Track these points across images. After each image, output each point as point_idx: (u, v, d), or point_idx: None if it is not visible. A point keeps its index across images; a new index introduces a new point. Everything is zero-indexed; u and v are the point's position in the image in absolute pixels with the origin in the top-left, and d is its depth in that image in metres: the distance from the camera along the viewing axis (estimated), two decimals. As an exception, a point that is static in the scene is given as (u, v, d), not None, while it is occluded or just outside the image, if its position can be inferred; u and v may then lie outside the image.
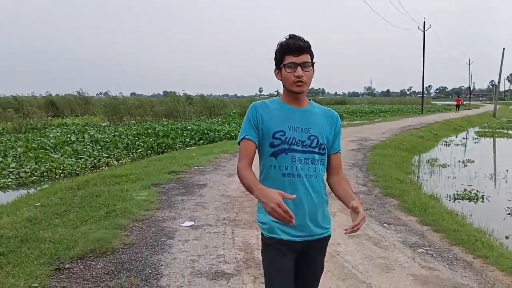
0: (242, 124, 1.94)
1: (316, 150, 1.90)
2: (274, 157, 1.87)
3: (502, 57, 40.39)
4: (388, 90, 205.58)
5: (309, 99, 1.98)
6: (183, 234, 4.71)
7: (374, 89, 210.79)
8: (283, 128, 1.86)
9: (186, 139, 15.71)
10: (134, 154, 13.09)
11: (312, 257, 1.98)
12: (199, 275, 3.64)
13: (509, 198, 7.84)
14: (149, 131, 17.04)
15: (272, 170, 1.88)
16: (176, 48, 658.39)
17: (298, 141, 1.86)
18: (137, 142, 14.40)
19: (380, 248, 4.39)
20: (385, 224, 5.22)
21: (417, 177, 9.94)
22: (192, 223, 5.10)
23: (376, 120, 30.87)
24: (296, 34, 1.87)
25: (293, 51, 1.82)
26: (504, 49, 40.36)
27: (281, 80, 1.90)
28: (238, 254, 4.11)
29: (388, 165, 9.82)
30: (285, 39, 1.86)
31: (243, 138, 1.90)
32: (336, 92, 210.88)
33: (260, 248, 2.02)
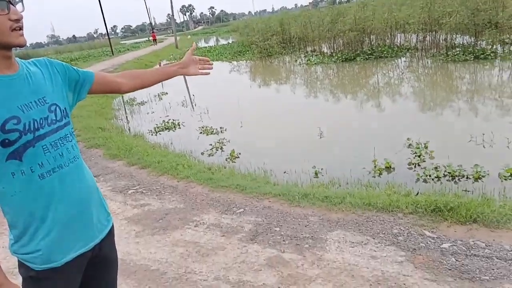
0: None
1: (64, 120, 1.36)
2: (17, 158, 1.23)
3: (170, -9, 43.93)
4: (74, 35, 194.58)
5: None
6: None
7: (59, 36, 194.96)
8: (14, 112, 1.21)
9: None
10: None
11: (106, 258, 1.54)
12: None
13: (199, 120, 9.01)
14: None
15: (20, 178, 1.24)
16: None
17: (42, 121, 1.28)
18: None
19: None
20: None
21: (120, 120, 10.08)
22: None
23: (68, 70, 28.85)
24: None
25: None
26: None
27: None
28: None
29: (87, 116, 9.50)
30: None
31: None
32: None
33: None
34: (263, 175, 5.12)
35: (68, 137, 1.37)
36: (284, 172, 5.22)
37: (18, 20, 1.21)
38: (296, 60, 17.90)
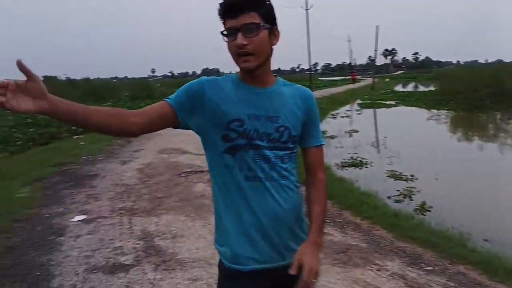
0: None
1: (288, 145, 1.41)
2: (231, 154, 1.36)
3: (377, 34, 44.43)
4: (279, 68, 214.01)
5: (275, 75, 1.46)
6: (75, 230, 4.35)
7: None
8: (241, 116, 1.35)
9: (73, 127, 14.50)
10: (12, 147, 11.69)
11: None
12: (95, 271, 3.40)
13: (388, 163, 8.71)
14: (28, 120, 15.35)
15: (230, 171, 1.37)
16: (47, 26, 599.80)
17: (263, 134, 1.36)
18: (14, 134, 12.87)
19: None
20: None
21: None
22: (84, 217, 4.73)
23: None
24: None
25: (229, 12, 1.29)
26: (377, 26, 44.40)
27: None
28: (137, 244, 3.93)
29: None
30: None
31: (164, 100, 1.37)
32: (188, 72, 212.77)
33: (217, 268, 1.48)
34: (457, 236, 4.58)
35: (285, 159, 1.40)
36: (485, 240, 4.55)
37: (239, 47, 1.28)
38: (510, 118, 15.69)
